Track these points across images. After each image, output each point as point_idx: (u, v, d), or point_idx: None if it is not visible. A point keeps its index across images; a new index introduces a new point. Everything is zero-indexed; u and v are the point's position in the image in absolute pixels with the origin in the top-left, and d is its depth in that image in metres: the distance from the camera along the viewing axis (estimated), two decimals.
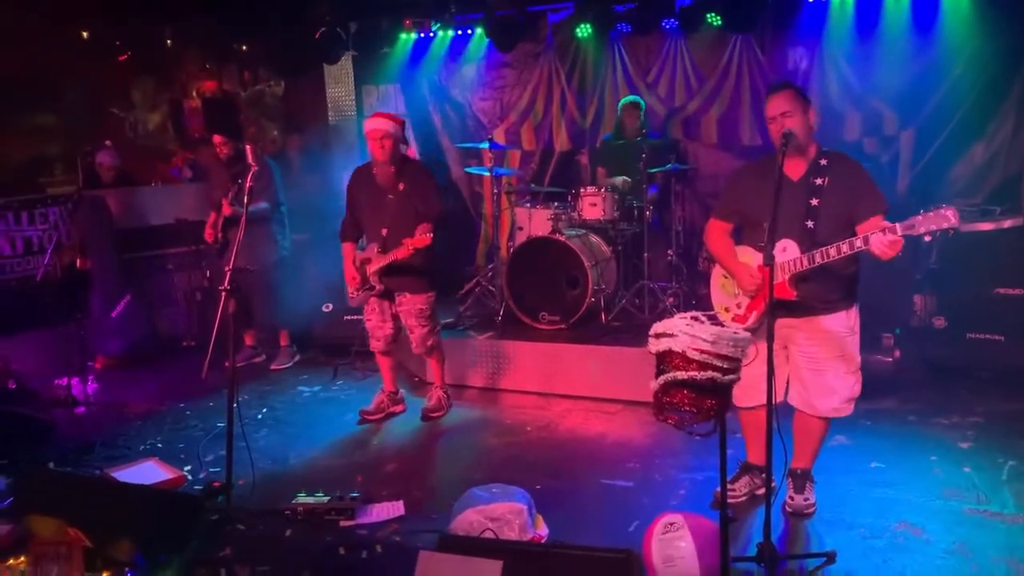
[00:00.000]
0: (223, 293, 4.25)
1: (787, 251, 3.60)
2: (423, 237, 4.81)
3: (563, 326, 6.30)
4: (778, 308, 3.37)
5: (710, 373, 2.86)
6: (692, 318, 2.97)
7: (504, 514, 3.55)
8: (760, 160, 4.01)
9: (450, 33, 8.27)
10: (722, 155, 7.55)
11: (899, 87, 6.80)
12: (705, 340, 2.86)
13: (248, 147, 4.66)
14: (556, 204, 6.86)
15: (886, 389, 5.45)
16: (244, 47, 9.25)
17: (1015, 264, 5.80)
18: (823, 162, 3.67)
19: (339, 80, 9.04)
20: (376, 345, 5.47)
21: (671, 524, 3.28)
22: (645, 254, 6.55)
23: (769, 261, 3.21)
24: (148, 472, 4.56)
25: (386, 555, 3.64)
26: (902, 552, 3.52)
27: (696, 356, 2.86)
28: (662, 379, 2.95)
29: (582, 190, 6.67)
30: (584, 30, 7.55)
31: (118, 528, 3.41)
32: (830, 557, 3.43)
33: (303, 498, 4.08)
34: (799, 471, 3.94)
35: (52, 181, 8.99)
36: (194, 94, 9.59)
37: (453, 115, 8.67)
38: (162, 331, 7.51)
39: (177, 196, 7.94)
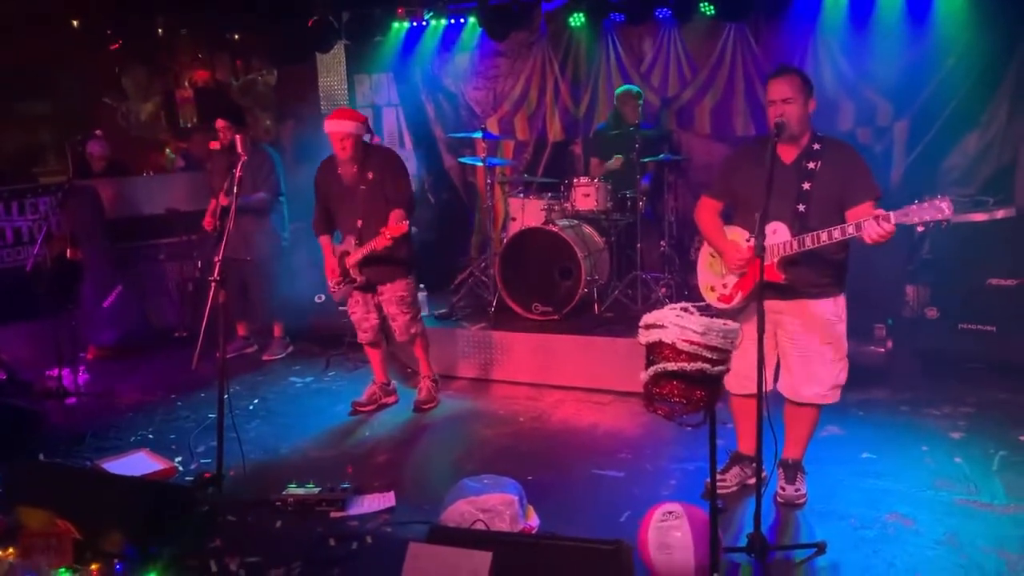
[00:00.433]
0: (213, 284, 4.23)
1: (777, 234, 3.59)
2: (400, 225, 4.80)
3: (556, 317, 6.30)
4: (766, 290, 3.37)
5: (699, 364, 2.87)
6: (682, 309, 2.97)
7: (495, 505, 3.56)
8: (756, 141, 4.01)
9: (443, 22, 8.23)
10: (716, 145, 7.53)
11: (893, 77, 6.79)
12: (695, 331, 2.86)
13: (238, 137, 4.61)
14: (549, 194, 6.82)
15: (878, 379, 5.45)
16: (236, 36, 9.19)
17: (1008, 255, 5.82)
18: (816, 146, 3.67)
19: (332, 69, 8.99)
20: (364, 337, 5.45)
21: (670, 513, 3.28)
22: (638, 244, 6.53)
23: (760, 251, 3.21)
24: (139, 463, 4.56)
25: (376, 546, 3.64)
26: (892, 542, 3.53)
27: (686, 347, 2.87)
28: (652, 370, 2.95)
29: (575, 180, 6.64)
30: (577, 19, 7.54)
31: (108, 519, 3.39)
32: (820, 548, 3.44)
33: (294, 489, 4.08)
34: (790, 461, 3.94)
35: (45, 171, 8.94)
36: (186, 84, 9.52)
37: (446, 104, 8.65)
38: (154, 322, 7.48)
39: (169, 186, 7.90)
